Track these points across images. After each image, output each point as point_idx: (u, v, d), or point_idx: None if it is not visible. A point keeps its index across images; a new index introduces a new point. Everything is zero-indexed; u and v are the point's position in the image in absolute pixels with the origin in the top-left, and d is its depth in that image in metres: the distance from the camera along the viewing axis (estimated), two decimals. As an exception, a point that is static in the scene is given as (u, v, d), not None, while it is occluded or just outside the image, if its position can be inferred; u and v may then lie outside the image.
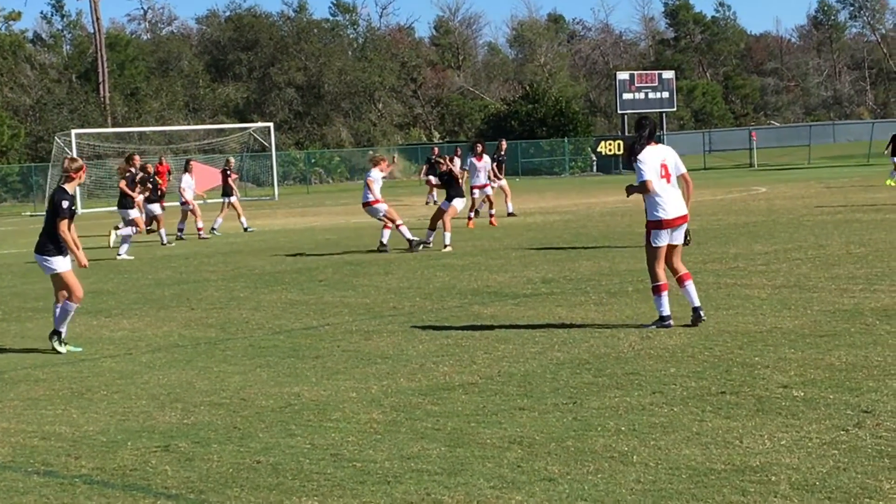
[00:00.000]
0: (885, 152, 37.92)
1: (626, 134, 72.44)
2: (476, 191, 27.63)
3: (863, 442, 6.67)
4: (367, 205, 21.29)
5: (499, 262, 17.91)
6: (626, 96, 71.12)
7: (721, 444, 6.76)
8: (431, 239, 21.16)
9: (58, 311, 11.48)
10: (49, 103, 70.33)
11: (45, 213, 11.75)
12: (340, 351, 10.62)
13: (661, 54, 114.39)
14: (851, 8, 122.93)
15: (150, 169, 26.16)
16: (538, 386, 8.63)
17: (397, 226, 20.95)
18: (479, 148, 27.73)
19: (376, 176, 21.09)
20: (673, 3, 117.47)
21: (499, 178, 29.48)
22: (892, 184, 34.22)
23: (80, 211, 42.71)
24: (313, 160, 71.88)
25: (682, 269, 11.07)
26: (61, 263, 11.42)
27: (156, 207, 25.94)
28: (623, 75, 73.39)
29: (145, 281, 18.02)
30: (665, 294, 10.91)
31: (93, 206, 52.06)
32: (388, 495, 6.13)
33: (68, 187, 11.58)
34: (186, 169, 28.98)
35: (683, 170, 11.18)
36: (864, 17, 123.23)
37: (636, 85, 71.45)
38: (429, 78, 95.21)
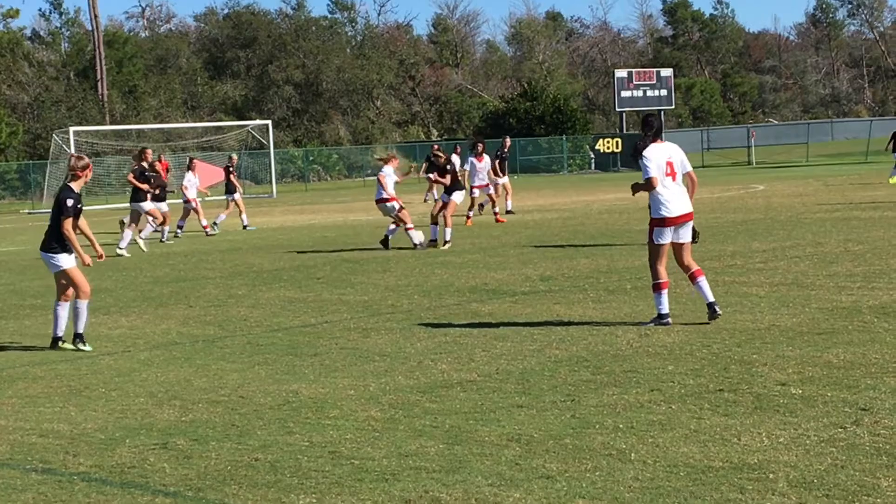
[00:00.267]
0: (887, 149, 37.82)
1: (625, 131, 72.64)
2: (476, 190, 27.59)
3: (861, 439, 6.68)
4: (380, 202, 21.15)
5: (497, 260, 17.91)
6: (625, 94, 71.15)
7: (719, 442, 6.76)
8: (436, 235, 21.15)
9: (59, 310, 11.45)
10: (47, 101, 70.28)
11: (46, 211, 11.73)
12: (339, 348, 10.62)
13: (660, 52, 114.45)
14: (850, 6, 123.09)
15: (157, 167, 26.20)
16: (536, 383, 8.63)
17: (406, 228, 20.85)
18: (480, 147, 27.65)
19: (389, 172, 21.02)
20: (671, 0, 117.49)
21: (499, 177, 29.42)
22: (894, 182, 34.16)
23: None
24: (311, 158, 71.86)
25: (694, 266, 11.07)
26: (66, 261, 11.41)
27: (163, 206, 25.98)
28: (621, 73, 73.42)
29: (144, 279, 18.01)
30: (665, 292, 10.90)
31: (91, 203, 51.97)
32: (386, 493, 6.13)
33: (75, 186, 11.54)
34: (189, 167, 28.99)
35: (689, 168, 11.18)
36: (863, 15, 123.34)
37: (634, 83, 71.47)
38: (427, 76, 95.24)
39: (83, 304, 11.35)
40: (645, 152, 10.86)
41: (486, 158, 27.62)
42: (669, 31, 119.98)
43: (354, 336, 11.30)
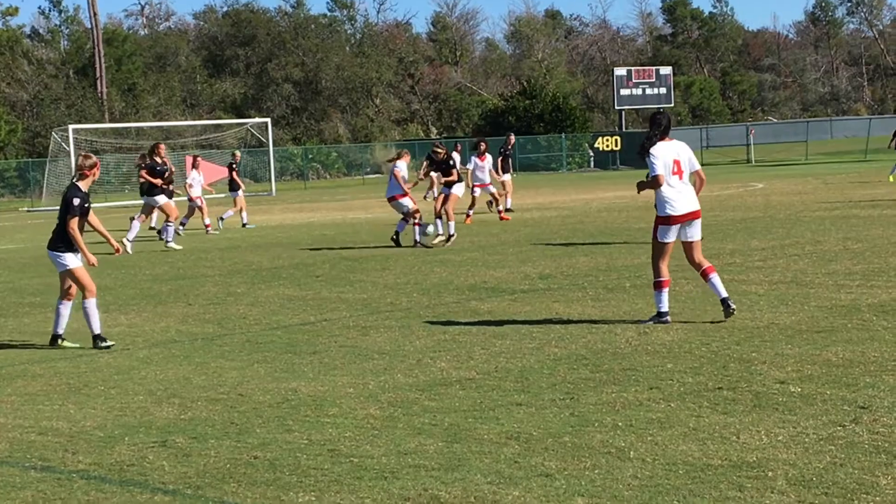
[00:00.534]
0: (890, 146, 37.71)
1: (624, 130, 72.61)
2: (478, 189, 27.57)
3: (859, 438, 6.68)
4: (393, 199, 21.06)
5: (496, 258, 17.91)
6: (624, 92, 71.10)
7: (718, 440, 6.76)
8: (441, 229, 21.14)
9: (61, 308, 11.43)
10: (46, 99, 70.23)
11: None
12: (338, 346, 10.62)
13: (659, 50, 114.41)
14: (849, 4, 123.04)
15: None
16: (535, 381, 8.63)
17: (414, 223, 20.80)
18: (483, 147, 27.61)
19: (402, 166, 21.00)
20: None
21: (501, 175, 29.37)
22: (893, 180, 34.13)
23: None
24: (311, 156, 71.82)
25: (706, 264, 11.06)
26: (72, 260, 11.39)
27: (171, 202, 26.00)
28: (620, 71, 73.35)
29: (143, 276, 18.01)
30: (665, 291, 10.90)
31: (91, 201, 51.92)
32: (386, 491, 6.13)
33: (82, 185, 11.53)
34: (194, 165, 28.99)
35: (698, 166, 11.17)
36: (862, 13, 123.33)
37: (633, 81, 71.40)
38: (426, 74, 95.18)
39: (91, 304, 11.29)
40: (652, 150, 10.83)
41: (489, 158, 27.57)
42: (669, 30, 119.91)
43: (353, 334, 11.30)
